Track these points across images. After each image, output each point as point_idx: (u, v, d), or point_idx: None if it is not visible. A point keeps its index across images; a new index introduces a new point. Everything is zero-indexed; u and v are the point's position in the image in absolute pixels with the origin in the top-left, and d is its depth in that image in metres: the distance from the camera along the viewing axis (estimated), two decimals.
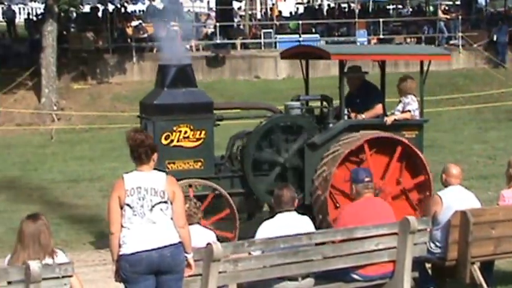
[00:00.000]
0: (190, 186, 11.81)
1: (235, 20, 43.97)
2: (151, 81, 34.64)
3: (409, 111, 12.68)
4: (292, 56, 14.90)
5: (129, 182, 7.41)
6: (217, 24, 39.03)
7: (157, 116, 11.96)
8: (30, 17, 46.31)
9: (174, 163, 11.88)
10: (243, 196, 12.55)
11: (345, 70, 13.16)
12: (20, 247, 7.29)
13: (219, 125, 12.43)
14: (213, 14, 44.03)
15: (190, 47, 37.53)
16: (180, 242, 7.40)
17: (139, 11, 44.80)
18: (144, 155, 7.48)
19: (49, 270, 7.20)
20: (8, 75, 31.51)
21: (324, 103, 13.08)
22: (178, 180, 11.40)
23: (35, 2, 46.66)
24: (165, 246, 7.33)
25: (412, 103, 12.75)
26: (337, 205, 12.14)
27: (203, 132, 12.02)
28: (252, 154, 12.39)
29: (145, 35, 37.26)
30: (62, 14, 36.24)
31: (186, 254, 7.48)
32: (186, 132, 11.94)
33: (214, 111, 12.40)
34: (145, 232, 7.32)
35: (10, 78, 31.62)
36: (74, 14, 39.24)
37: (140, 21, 40.04)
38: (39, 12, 43.51)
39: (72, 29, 39.08)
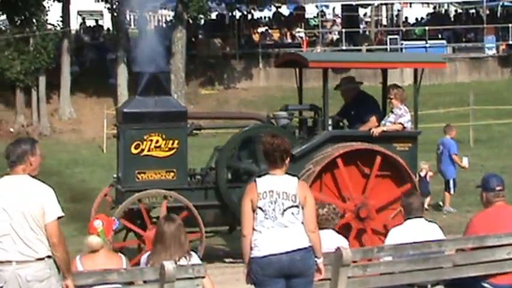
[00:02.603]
0: (165, 197, 11.39)
1: (361, 26, 43.75)
2: (277, 86, 35.24)
3: (401, 123, 12.14)
4: (283, 64, 14.33)
5: (261, 185, 7.44)
6: (343, 30, 38.95)
7: (126, 124, 11.57)
8: (160, 24, 47.21)
9: (144, 173, 11.46)
10: (219, 209, 12.01)
11: (339, 81, 12.89)
12: (161, 247, 7.43)
13: (197, 134, 12.10)
14: (338, 21, 43.88)
15: (316, 52, 37.65)
16: (310, 246, 7.38)
17: (266, 17, 45.05)
18: (279, 159, 7.49)
19: (183, 271, 7.33)
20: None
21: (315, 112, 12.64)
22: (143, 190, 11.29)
23: (165, 9, 47.47)
24: (296, 250, 7.32)
25: (405, 115, 12.20)
26: None
27: (176, 141, 11.56)
28: (224, 165, 11.96)
29: (272, 41, 37.56)
30: (191, 21, 36.85)
31: (316, 259, 7.46)
32: (157, 141, 11.49)
33: (193, 121, 12.11)
34: (277, 235, 7.34)
35: None
36: (202, 21, 39.81)
37: (266, 27, 40.33)
38: (168, 19, 44.32)
39: (200, 36, 39.69)
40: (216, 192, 11.91)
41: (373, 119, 12.33)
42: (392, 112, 12.27)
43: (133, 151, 11.42)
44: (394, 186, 12.08)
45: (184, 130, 11.72)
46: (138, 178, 11.42)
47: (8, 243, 6.70)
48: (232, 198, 11.83)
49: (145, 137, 11.41)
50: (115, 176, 12.04)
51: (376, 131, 12.04)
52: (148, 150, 11.43)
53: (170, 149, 11.52)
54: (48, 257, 6.79)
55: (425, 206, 16.84)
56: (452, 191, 16.96)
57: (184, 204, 11.44)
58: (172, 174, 11.53)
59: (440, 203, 17.15)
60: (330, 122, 12.19)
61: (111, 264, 7.41)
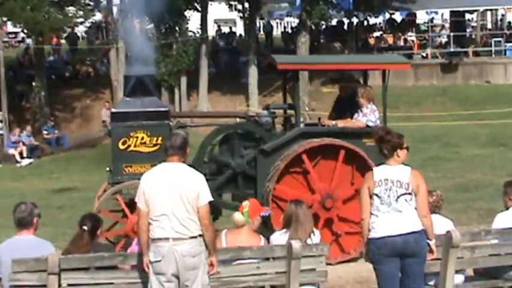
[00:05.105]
0: None
1: (468, 30, 42.73)
2: (390, 85, 34.64)
3: (364, 122, 11.52)
4: (267, 66, 13.52)
5: (377, 174, 7.40)
6: (451, 34, 38.18)
7: (115, 122, 11.42)
8: (286, 30, 47.37)
9: (131, 166, 11.26)
10: None
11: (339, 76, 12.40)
12: (299, 226, 7.57)
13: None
14: (447, 25, 43.01)
15: (426, 54, 37.00)
16: (423, 230, 7.28)
17: (380, 23, 44.56)
18: (386, 151, 7.43)
19: (308, 249, 7.36)
20: (267, 80, 32.40)
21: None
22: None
23: (290, 17, 47.59)
24: (409, 233, 7.23)
25: (370, 114, 11.53)
26: None
27: (160, 138, 11.30)
28: (201, 159, 11.70)
29: (386, 45, 37.12)
30: (313, 27, 36.79)
31: (428, 241, 7.35)
32: (143, 138, 11.30)
33: (180, 119, 11.80)
34: (391, 219, 7.27)
35: (269, 83, 32.52)
36: (323, 27, 39.71)
37: (381, 32, 39.90)
38: (293, 25, 44.42)
39: (321, 40, 39.60)
40: None
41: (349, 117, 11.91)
42: (361, 111, 11.70)
43: (121, 147, 11.33)
44: (360, 178, 11.32)
45: (168, 127, 11.53)
46: (125, 171, 11.33)
47: (166, 222, 6.82)
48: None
49: (131, 134, 11.34)
50: (108, 169, 11.92)
51: (339, 123, 11.66)
52: (135, 146, 11.33)
53: (154, 145, 11.38)
54: (200, 235, 6.88)
55: None
56: None
57: None
58: None
59: None
60: (301, 119, 11.83)
61: (250, 242, 7.49)
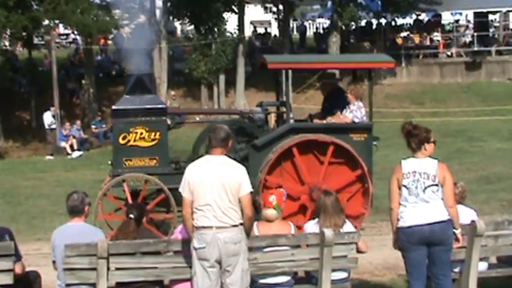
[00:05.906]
0: (146, 182, 11.03)
1: (491, 30, 42.25)
2: (417, 82, 34.59)
3: (350, 118, 11.35)
4: (263, 66, 13.36)
5: (405, 166, 7.34)
6: (475, 34, 37.80)
7: (115, 119, 11.38)
8: (318, 30, 47.21)
9: (131, 160, 11.21)
10: None
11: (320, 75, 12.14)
12: (327, 217, 7.50)
13: (180, 127, 11.68)
14: (471, 26, 42.56)
15: (451, 53, 36.64)
16: (449, 219, 7.23)
17: (407, 23, 44.19)
18: (414, 144, 7.37)
19: (339, 237, 7.34)
20: (301, 78, 32.34)
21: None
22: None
23: (322, 18, 47.44)
24: (436, 222, 7.18)
25: (357, 111, 11.36)
26: None
27: (158, 133, 11.25)
28: (196, 154, 11.56)
29: (413, 44, 36.82)
30: (343, 28, 36.61)
31: (454, 230, 7.30)
32: (142, 133, 11.22)
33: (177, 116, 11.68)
34: (419, 209, 7.22)
35: (302, 81, 32.46)
36: (353, 27, 39.49)
37: (408, 32, 39.60)
38: (325, 26, 44.24)
39: (351, 40, 39.40)
40: None
41: (339, 113, 11.68)
42: (348, 107, 11.55)
43: (121, 141, 11.30)
44: (348, 170, 11.35)
45: (165, 123, 11.48)
46: (125, 164, 11.30)
47: (209, 212, 6.82)
48: None
49: (131, 130, 11.29)
50: (109, 162, 11.92)
51: (328, 120, 11.56)
52: (134, 141, 11.28)
53: (153, 140, 11.32)
54: (240, 224, 6.87)
55: None
56: None
57: (160, 187, 11.22)
58: (154, 161, 11.33)
59: None
60: (291, 115, 11.69)
61: (282, 230, 7.47)
